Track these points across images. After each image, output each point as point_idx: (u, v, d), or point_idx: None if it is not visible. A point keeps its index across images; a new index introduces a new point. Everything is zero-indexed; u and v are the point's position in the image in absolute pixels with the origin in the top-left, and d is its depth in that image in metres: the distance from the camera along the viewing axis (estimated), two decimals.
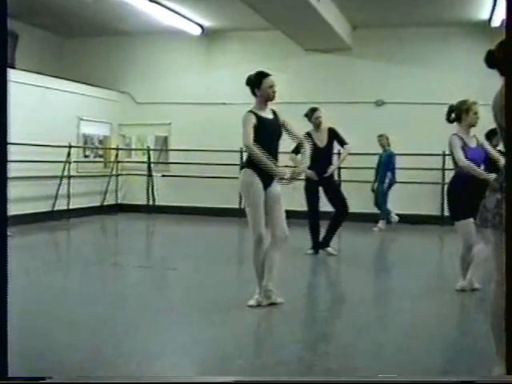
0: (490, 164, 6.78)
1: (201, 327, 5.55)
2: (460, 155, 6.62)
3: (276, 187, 6.20)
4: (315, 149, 9.36)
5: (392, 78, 14.60)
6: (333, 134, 9.61)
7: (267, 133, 6.12)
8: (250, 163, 6.11)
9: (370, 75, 14.67)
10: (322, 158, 9.50)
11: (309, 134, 9.37)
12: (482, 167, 6.74)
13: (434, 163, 13.92)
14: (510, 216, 3.22)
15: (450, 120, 6.88)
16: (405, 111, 14.40)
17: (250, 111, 6.15)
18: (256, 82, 6.18)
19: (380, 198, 13.27)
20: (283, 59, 14.44)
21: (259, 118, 6.10)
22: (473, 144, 6.80)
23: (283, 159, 6.86)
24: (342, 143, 9.78)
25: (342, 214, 9.73)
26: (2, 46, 2.77)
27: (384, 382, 3.65)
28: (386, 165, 13.24)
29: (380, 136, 13.34)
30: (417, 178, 13.91)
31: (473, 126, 6.83)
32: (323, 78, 14.59)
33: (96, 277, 8.07)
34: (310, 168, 9.46)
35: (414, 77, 14.44)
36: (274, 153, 6.20)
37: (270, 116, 6.23)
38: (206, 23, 14.78)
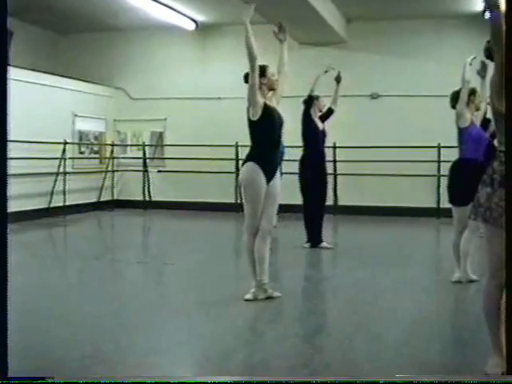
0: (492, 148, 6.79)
1: (199, 322, 5.56)
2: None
3: (277, 182, 6.20)
4: (316, 130, 9.46)
5: (387, 70, 14.59)
6: (323, 117, 9.67)
7: (273, 121, 6.14)
8: (254, 157, 6.11)
9: (364, 68, 14.65)
10: (321, 138, 9.60)
11: (311, 115, 9.44)
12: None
13: (430, 156, 13.92)
14: (510, 215, 3.22)
15: (455, 107, 6.87)
16: (400, 104, 14.41)
17: None
18: (260, 73, 6.18)
19: None
20: (278, 53, 14.37)
21: (267, 105, 6.12)
22: (478, 123, 6.85)
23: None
24: (331, 111, 9.82)
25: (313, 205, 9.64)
26: (2, 46, 2.77)
27: (383, 382, 3.66)
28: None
29: None
30: (412, 171, 13.91)
31: (478, 108, 6.89)
32: (318, 72, 14.53)
33: (94, 273, 8.07)
34: (310, 151, 9.51)
35: (409, 69, 14.43)
36: (277, 141, 6.25)
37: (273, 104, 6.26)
38: (200, 18, 14.75)
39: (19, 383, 3.07)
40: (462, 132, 6.83)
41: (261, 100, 6.10)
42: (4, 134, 2.73)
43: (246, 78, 6.22)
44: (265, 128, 6.10)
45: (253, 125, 6.15)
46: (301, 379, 4.00)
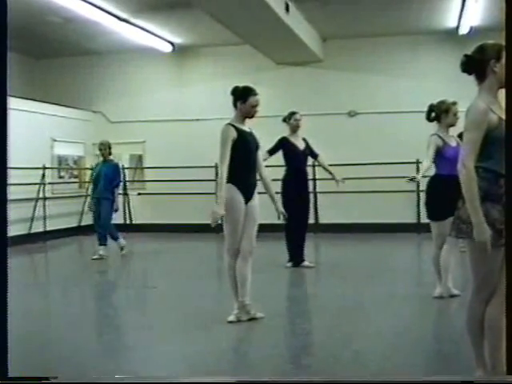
0: None
1: (181, 344, 5.53)
2: (429, 156, 6.76)
3: (256, 202, 6.21)
4: (295, 151, 9.45)
5: (363, 88, 14.69)
6: (306, 143, 9.68)
7: (248, 145, 6.14)
8: (231, 179, 6.10)
9: (341, 86, 14.76)
10: (302, 158, 9.59)
11: (286, 139, 9.43)
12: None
13: (409, 171, 13.89)
14: (509, 222, 3.23)
15: (429, 119, 6.94)
16: (377, 121, 14.50)
17: (229, 124, 6.14)
18: (242, 96, 6.18)
19: (106, 219, 11.47)
20: (255, 73, 14.47)
21: (239, 131, 6.11)
22: (453, 143, 6.88)
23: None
24: (314, 155, 9.82)
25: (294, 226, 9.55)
26: (2, 72, 2.76)
27: (386, 382, 3.66)
28: (111, 180, 11.28)
29: (101, 144, 11.62)
30: (392, 187, 13.96)
31: (452, 125, 6.91)
32: (296, 91, 14.66)
33: (77, 298, 8.02)
34: (292, 171, 9.51)
35: (385, 86, 14.55)
36: (253, 164, 6.24)
37: (248, 129, 6.25)
38: (177, 40, 14.80)
39: (19, 383, 3.05)
40: (435, 154, 6.93)
41: (229, 147, 6.05)
42: (4, 161, 2.73)
43: (234, 92, 6.22)
44: (240, 153, 6.09)
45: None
46: (301, 379, 3.99)
